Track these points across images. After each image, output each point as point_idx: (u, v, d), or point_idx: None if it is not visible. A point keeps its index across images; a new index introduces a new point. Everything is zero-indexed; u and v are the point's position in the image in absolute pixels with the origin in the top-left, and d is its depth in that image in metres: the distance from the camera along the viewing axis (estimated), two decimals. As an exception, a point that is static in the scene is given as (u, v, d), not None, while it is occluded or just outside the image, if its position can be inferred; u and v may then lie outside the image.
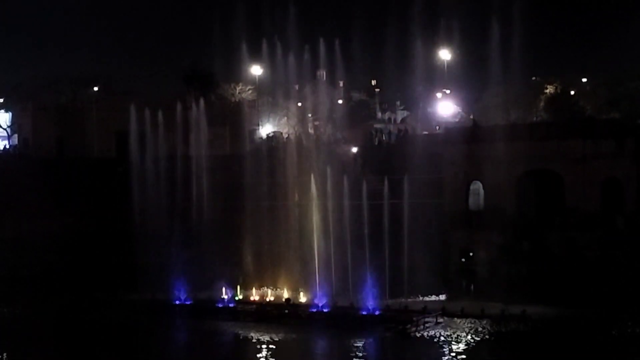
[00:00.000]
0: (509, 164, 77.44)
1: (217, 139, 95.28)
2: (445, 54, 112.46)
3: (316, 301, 68.40)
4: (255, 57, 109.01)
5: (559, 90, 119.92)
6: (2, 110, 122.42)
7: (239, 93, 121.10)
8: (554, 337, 59.92)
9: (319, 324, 64.95)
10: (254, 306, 71.06)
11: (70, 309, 73.10)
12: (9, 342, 62.22)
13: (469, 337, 60.69)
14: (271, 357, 57.84)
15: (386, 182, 76.28)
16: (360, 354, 58.41)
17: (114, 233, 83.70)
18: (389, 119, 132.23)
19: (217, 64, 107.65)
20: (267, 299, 72.67)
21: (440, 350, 58.08)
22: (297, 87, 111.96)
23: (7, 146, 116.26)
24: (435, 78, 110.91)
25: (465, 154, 79.98)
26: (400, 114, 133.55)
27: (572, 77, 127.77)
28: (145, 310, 70.88)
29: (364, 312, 65.95)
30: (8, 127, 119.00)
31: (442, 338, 60.46)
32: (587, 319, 61.95)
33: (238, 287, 74.04)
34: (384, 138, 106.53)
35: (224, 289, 72.89)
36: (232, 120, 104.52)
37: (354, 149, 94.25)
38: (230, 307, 70.65)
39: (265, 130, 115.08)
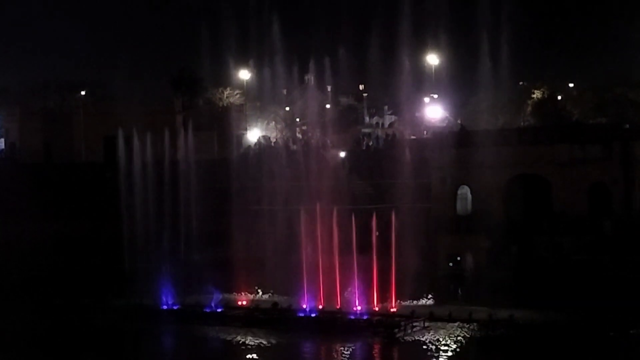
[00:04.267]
0: (497, 168, 77.64)
1: (204, 144, 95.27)
2: (433, 59, 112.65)
3: (304, 306, 68.37)
4: (243, 61, 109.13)
5: (546, 95, 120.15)
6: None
7: (226, 97, 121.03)
8: (541, 341, 60.02)
9: (306, 329, 64.93)
10: (242, 311, 71.00)
11: (58, 314, 72.90)
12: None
13: (456, 341, 60.74)
14: (259, 362, 57.89)
15: (374, 187, 76.44)
16: (348, 359, 58.42)
17: (101, 238, 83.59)
18: (377, 123, 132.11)
19: (205, 68, 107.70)
20: (255, 304, 72.58)
21: (428, 354, 58.10)
22: (285, 91, 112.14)
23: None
24: (423, 83, 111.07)
25: (452, 158, 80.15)
26: (388, 119, 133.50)
27: (559, 82, 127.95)
28: (133, 316, 70.79)
29: (352, 317, 65.96)
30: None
31: (429, 342, 60.49)
32: (575, 324, 62.07)
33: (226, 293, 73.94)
34: (371, 143, 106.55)
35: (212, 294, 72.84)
36: (220, 124, 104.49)
37: (342, 154, 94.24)
38: (218, 312, 70.56)
39: (253, 134, 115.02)
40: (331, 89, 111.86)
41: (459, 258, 75.85)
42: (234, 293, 75.12)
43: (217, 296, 72.61)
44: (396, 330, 62.80)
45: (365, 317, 65.70)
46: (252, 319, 68.18)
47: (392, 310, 67.55)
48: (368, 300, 68.22)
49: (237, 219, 78.63)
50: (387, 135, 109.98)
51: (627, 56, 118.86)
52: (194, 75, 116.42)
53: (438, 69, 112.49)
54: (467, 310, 66.25)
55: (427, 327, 64.03)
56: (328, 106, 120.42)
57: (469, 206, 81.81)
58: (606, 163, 76.51)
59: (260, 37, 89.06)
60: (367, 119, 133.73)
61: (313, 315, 67.29)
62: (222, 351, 62.49)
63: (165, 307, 72.52)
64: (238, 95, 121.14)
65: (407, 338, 61.97)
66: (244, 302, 73.40)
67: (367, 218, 74.16)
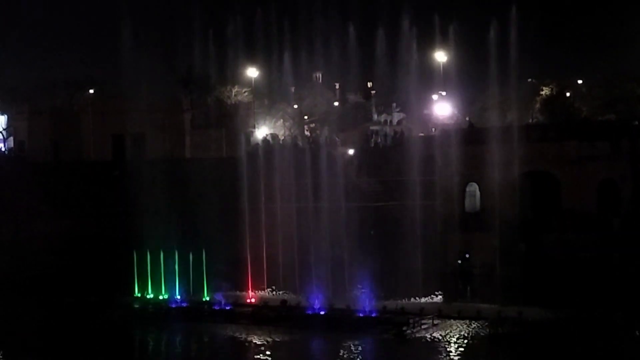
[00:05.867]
0: (505, 165, 77.52)
1: (213, 142, 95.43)
2: (441, 56, 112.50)
3: (313, 303, 68.38)
4: (251, 59, 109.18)
5: (554, 92, 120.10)
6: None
7: (235, 95, 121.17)
8: (550, 339, 59.94)
9: (315, 326, 64.93)
10: (251, 308, 71.03)
11: (67, 311, 73.05)
12: (5, 345, 62.16)
13: (465, 339, 60.70)
14: (268, 359, 57.86)
15: (382, 184, 76.42)
16: (357, 356, 58.42)
17: (110, 236, 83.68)
18: (385, 121, 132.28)
19: (213, 66, 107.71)
20: (264, 301, 72.62)
21: (437, 352, 58.07)
22: (293, 89, 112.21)
23: (3, 149, 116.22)
24: (431, 80, 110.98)
25: (461, 155, 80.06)
26: (397, 116, 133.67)
27: (567, 79, 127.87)
28: (141, 313, 70.88)
29: (361, 314, 65.91)
30: (4, 130, 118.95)
31: (438, 340, 60.47)
32: (584, 321, 61.95)
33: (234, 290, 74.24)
34: (380, 140, 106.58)
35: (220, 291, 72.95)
36: (228, 122, 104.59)
37: (350, 151, 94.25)
38: (227, 309, 70.60)
39: (262, 132, 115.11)
40: (339, 86, 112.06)
41: (467, 255, 75.80)
42: (243, 291, 75.19)
43: (226, 294, 72.70)
44: (405, 327, 62.80)
45: (374, 315, 65.68)
46: (261, 316, 68.20)
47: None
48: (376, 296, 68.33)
49: (245, 217, 78.63)
50: (395, 132, 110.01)
51: (636, 53, 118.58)
52: (202, 73, 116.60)
53: (446, 66, 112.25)
54: (476, 307, 66.24)
55: (436, 324, 64.01)
56: (336, 104, 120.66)
57: (478, 203, 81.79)
58: (615, 160, 76.43)
59: (268, 35, 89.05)
60: (375, 116, 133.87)
61: (322, 312, 67.29)
62: (230, 349, 62.54)
63: (173, 304, 72.61)
64: (246, 93, 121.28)
65: (416, 335, 61.96)
66: (253, 300, 73.46)
67: (375, 215, 74.30)
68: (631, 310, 62.59)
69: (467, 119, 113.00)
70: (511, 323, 62.78)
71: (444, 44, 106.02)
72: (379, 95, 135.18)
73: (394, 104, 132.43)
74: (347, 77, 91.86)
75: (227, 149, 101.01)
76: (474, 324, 63.90)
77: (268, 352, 59.13)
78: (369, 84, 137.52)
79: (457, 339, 60.67)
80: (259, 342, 61.63)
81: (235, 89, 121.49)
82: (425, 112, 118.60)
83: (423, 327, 63.30)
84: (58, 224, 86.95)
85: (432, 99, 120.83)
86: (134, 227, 78.29)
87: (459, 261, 76.38)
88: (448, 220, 79.09)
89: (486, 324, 63.62)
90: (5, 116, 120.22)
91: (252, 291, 75.14)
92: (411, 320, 63.64)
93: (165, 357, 62.44)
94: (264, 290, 75.77)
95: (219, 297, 72.02)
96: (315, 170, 78.26)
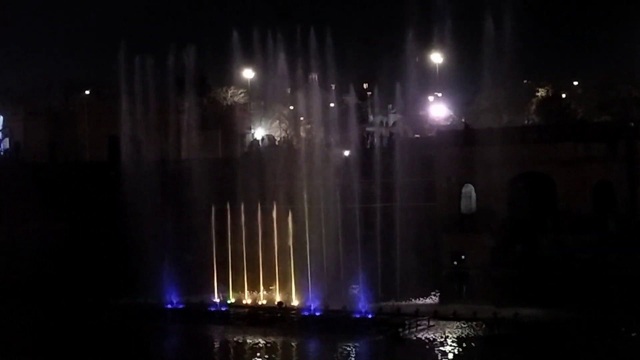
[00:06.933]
0: (501, 167, 77.50)
1: (209, 143, 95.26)
2: (437, 57, 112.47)
3: (308, 304, 68.40)
4: (248, 60, 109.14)
5: (550, 94, 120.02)
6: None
7: (230, 97, 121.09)
8: (546, 339, 60.00)
9: (311, 327, 65.00)
10: (247, 310, 71.06)
11: (63, 313, 72.99)
12: (1, 345, 62.11)
13: (461, 340, 60.74)
14: (263, 360, 57.98)
15: (378, 186, 76.38)
16: (353, 357, 58.44)
17: (106, 237, 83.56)
18: (381, 122, 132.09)
19: (209, 67, 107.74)
20: (260, 303, 72.66)
21: (433, 353, 58.13)
22: (289, 90, 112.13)
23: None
24: (427, 81, 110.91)
25: (457, 157, 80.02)
26: (393, 118, 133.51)
27: (563, 80, 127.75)
28: (138, 315, 70.84)
29: (357, 315, 66.01)
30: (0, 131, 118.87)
31: (434, 341, 60.52)
32: (579, 322, 62.04)
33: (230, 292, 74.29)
34: (375, 141, 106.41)
35: (216, 293, 72.95)
36: (224, 123, 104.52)
37: (346, 153, 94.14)
38: (223, 310, 70.65)
39: (258, 134, 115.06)
40: (335, 87, 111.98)
41: (463, 256, 75.70)
42: (239, 292, 75.19)
43: (222, 295, 72.72)
44: (401, 328, 62.83)
45: (370, 316, 65.73)
46: (257, 317, 68.27)
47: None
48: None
49: (241, 218, 78.57)
50: (391, 134, 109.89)
51: (631, 54, 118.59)
52: (198, 74, 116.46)
53: (442, 68, 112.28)
54: (472, 308, 66.30)
55: (432, 325, 64.07)
56: (332, 105, 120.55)
57: (473, 205, 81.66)
58: (610, 161, 76.33)
59: (265, 37, 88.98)
60: (371, 117, 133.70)
61: (318, 314, 67.33)
62: (226, 350, 62.55)
63: (169, 306, 72.62)
64: (242, 95, 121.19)
65: (412, 336, 61.99)
66: (249, 301, 73.47)
67: (371, 216, 74.28)
68: (626, 310, 62.73)
69: (463, 120, 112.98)
70: (507, 324, 62.90)
71: (440, 45, 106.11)
72: (375, 97, 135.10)
73: (390, 106, 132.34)
74: (343, 78, 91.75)
75: (223, 150, 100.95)
76: (469, 325, 63.98)
77: (263, 354, 59.15)
78: (365, 86, 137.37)
79: (453, 340, 60.73)
80: (255, 343, 61.64)
81: (232, 90, 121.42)
82: (421, 113, 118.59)
83: (419, 328, 63.36)
84: (54, 225, 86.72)
85: (428, 100, 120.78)
86: (130, 228, 78.24)
87: (455, 262, 76.32)
88: (444, 221, 79.04)
89: (482, 325, 63.72)
90: (1, 117, 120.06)
91: (248, 292, 75.16)
92: (407, 322, 63.70)
93: (161, 358, 62.39)
94: (260, 291, 75.77)
95: (215, 298, 72.08)
96: (311, 171, 78.26)
